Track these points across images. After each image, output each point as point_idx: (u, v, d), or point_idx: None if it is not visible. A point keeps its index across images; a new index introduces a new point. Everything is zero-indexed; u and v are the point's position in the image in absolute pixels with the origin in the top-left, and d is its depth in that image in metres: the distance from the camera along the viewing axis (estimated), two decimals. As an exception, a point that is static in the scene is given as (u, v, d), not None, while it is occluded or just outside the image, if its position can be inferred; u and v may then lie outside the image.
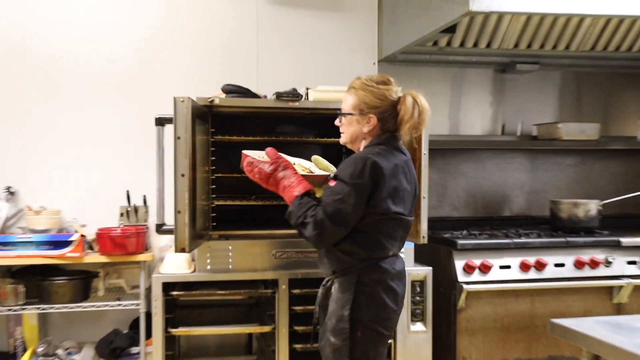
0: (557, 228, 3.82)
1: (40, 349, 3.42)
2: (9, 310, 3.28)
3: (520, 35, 3.79)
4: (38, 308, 3.30)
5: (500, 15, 3.54)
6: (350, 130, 2.33)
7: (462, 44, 3.88)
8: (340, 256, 2.20)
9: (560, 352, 3.44)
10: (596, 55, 4.13)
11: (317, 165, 2.61)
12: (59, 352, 3.41)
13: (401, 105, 2.27)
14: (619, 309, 3.46)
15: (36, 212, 3.44)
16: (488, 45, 3.88)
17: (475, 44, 3.87)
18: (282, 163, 2.25)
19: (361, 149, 2.31)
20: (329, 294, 2.27)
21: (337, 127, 2.41)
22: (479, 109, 4.26)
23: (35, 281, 3.32)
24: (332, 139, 3.15)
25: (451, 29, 3.51)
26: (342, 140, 2.40)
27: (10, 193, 3.57)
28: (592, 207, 3.77)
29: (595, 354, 1.83)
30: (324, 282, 2.35)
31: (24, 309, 3.30)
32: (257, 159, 2.28)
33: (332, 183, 2.16)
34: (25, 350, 3.46)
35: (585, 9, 3.13)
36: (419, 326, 3.14)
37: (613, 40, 3.91)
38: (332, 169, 2.55)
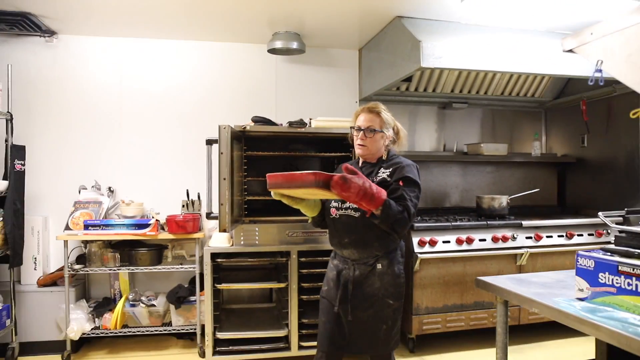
0: (480, 215, 3.74)
1: (130, 296, 3.37)
2: (110, 270, 3.25)
3: (455, 83, 3.89)
4: (128, 269, 3.25)
5: (441, 70, 3.68)
6: (378, 144, 2.00)
7: (416, 89, 3.89)
8: (393, 240, 2.00)
9: (482, 299, 3.34)
10: (504, 98, 4.18)
11: None
12: (143, 298, 3.35)
13: (398, 127, 2.10)
14: (520, 269, 3.39)
15: (127, 204, 3.38)
16: (433, 90, 3.92)
17: (425, 89, 3.91)
18: (364, 176, 1.71)
19: (375, 159, 2.04)
20: (374, 270, 1.97)
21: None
22: (427, 133, 4.17)
23: (126, 251, 3.27)
24: (328, 154, 3.21)
25: (408, 79, 3.64)
26: (364, 152, 2.01)
27: (111, 191, 3.51)
28: (503, 200, 3.70)
29: (505, 299, 1.81)
30: (365, 262, 1.98)
31: (119, 269, 3.25)
32: (350, 176, 1.62)
33: (401, 184, 1.87)
34: (121, 296, 3.40)
35: (496, 67, 3.08)
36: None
37: (515, 89, 4.07)
38: None
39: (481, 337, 3.38)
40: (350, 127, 2.07)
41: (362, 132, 1.99)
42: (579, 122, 4.00)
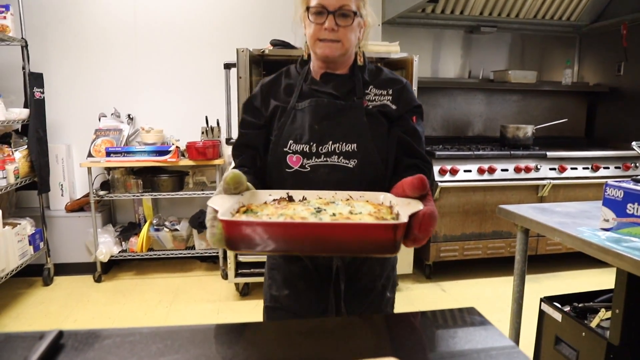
0: (504, 145, 3.66)
1: (154, 221, 3.47)
2: (134, 195, 3.31)
3: (485, 5, 3.66)
4: (151, 195, 3.30)
5: (472, -10, 3.38)
6: (353, 37, 1.16)
7: (442, 11, 3.70)
8: None
9: (500, 228, 3.35)
10: (537, 22, 3.94)
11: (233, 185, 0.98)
12: (166, 223, 3.45)
13: (367, 9, 1.21)
14: (542, 201, 3.35)
15: (147, 131, 3.37)
16: (461, 12, 3.72)
17: (452, 11, 3.71)
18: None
19: (346, 68, 1.22)
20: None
21: None
22: (452, 59, 3.98)
23: (148, 177, 3.32)
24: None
25: (434, 0, 3.33)
26: (334, 52, 1.14)
27: (130, 118, 3.50)
28: (528, 130, 3.60)
29: (527, 228, 1.78)
30: None
31: (142, 195, 3.31)
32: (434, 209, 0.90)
33: (415, 120, 1.22)
34: (145, 221, 3.49)
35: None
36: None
37: (550, 10, 3.82)
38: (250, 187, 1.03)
39: (497, 265, 3.43)
40: (305, 10, 1.18)
41: (330, 16, 1.12)
42: (616, 49, 3.77)
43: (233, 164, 1.27)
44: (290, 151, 1.16)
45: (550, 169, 3.36)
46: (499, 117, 4.06)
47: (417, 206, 0.83)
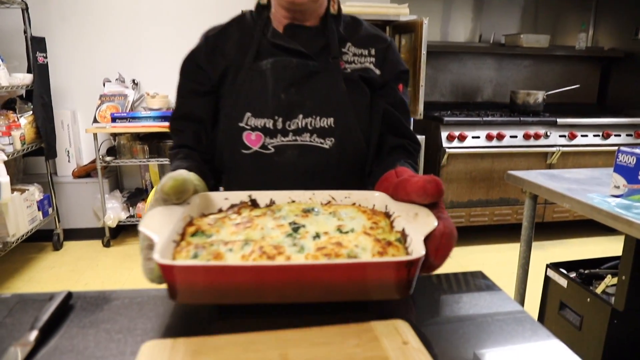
0: (513, 111, 3.60)
1: None
2: (140, 161, 3.30)
3: None
4: (157, 160, 3.30)
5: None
6: None
7: None
8: None
9: (507, 195, 3.35)
10: None
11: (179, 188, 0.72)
12: None
13: None
14: (550, 168, 3.31)
15: (152, 97, 3.35)
16: None
17: None
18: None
19: (317, 19, 0.96)
20: None
21: None
22: (462, 22, 3.88)
23: (154, 143, 3.31)
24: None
25: None
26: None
27: (135, 84, 3.46)
28: (539, 96, 3.53)
29: (535, 194, 1.77)
30: None
31: (148, 161, 3.30)
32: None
33: (401, 88, 1.01)
34: (152, 187, 3.50)
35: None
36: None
37: None
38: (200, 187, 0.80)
39: (504, 232, 3.43)
40: None
41: None
42: (634, 12, 3.65)
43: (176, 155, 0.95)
44: (248, 127, 0.92)
45: (560, 136, 3.31)
46: (509, 83, 3.98)
47: (428, 221, 0.65)
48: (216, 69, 0.96)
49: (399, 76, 1.01)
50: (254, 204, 0.79)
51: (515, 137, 3.24)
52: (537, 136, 3.25)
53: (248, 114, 0.92)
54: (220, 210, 0.78)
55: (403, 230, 0.69)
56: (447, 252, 0.62)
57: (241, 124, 0.92)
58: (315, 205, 0.78)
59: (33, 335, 0.64)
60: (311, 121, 0.92)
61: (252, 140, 0.92)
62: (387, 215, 0.76)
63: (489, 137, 3.19)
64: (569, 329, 1.75)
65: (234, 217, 0.74)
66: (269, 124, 0.91)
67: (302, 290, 0.59)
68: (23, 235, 2.82)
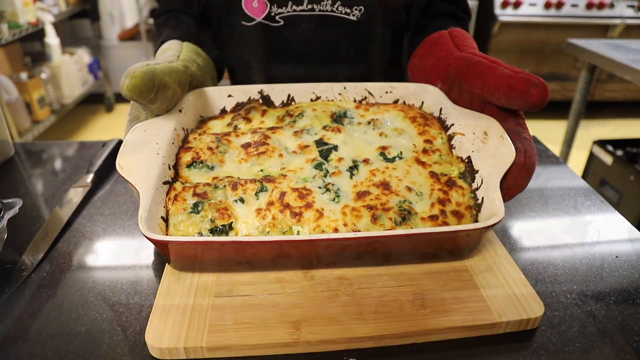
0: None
1: None
2: None
3: None
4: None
5: None
6: None
7: None
8: None
9: (558, 70, 3.09)
10: None
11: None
12: None
13: None
14: (610, 42, 2.99)
15: None
16: None
17: None
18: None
19: None
20: None
21: None
22: None
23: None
24: None
25: None
26: None
27: None
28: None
29: (594, 64, 1.59)
30: None
31: None
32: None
33: None
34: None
35: None
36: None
37: None
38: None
39: (549, 108, 3.23)
40: None
41: None
42: None
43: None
44: None
45: (628, 6, 2.92)
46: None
47: (504, 150, 0.47)
48: None
49: None
50: (266, 101, 0.58)
51: (576, 6, 2.89)
52: (601, 5, 2.88)
53: None
54: (223, 112, 0.58)
55: (469, 159, 0.50)
56: (523, 188, 0.46)
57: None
58: (348, 105, 0.56)
59: (89, 177, 0.65)
60: None
61: (254, 9, 0.66)
62: (442, 123, 0.54)
63: (547, 5, 2.85)
64: (604, 204, 1.71)
65: (242, 130, 0.54)
66: None
67: (340, 259, 0.46)
68: (77, 99, 2.87)
